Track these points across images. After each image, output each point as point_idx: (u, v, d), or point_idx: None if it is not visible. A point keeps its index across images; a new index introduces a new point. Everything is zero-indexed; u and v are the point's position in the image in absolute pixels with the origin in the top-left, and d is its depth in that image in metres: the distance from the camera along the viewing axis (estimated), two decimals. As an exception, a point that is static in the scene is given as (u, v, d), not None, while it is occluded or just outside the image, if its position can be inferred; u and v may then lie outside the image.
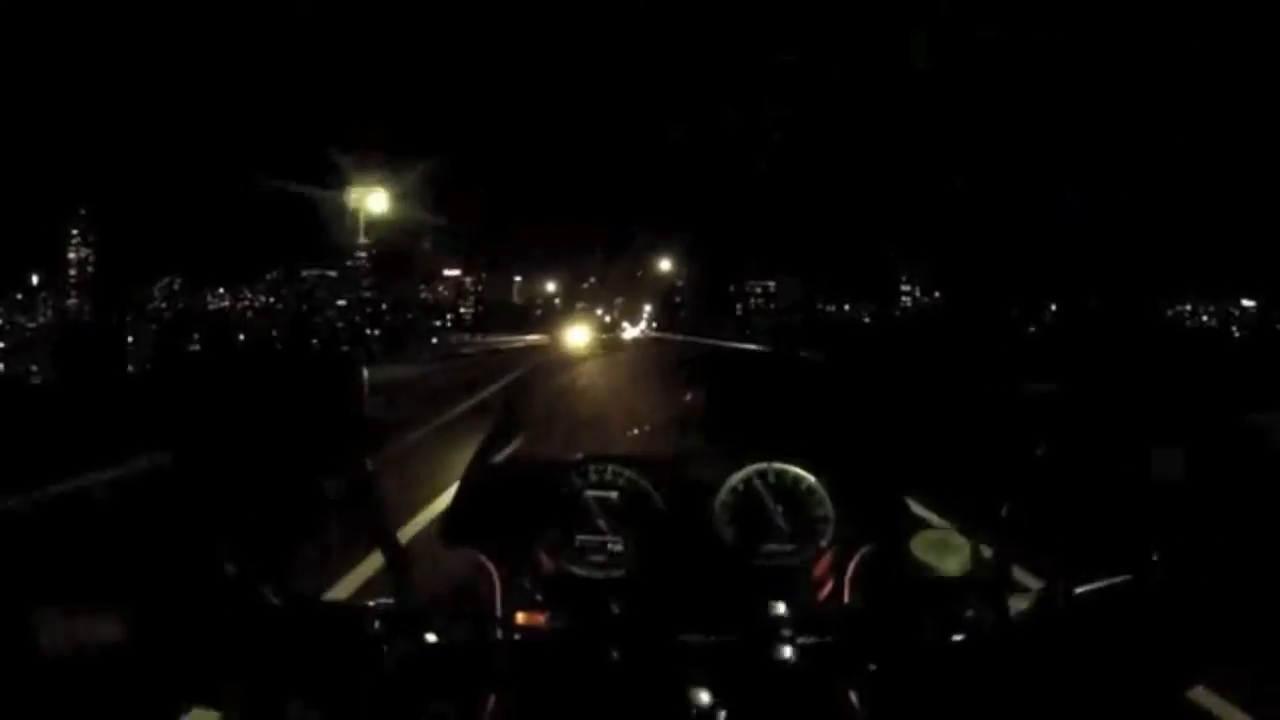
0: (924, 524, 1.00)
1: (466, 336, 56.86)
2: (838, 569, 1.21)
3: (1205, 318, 76.00)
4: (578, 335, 34.02)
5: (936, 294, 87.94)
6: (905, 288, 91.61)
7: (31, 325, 60.53)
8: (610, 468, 1.30)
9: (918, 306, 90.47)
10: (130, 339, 57.27)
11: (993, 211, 72.47)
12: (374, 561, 3.25)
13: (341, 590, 3.32)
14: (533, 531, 1.24)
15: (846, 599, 1.18)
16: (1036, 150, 63.96)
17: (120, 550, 0.91)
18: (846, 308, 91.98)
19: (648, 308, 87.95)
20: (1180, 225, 65.41)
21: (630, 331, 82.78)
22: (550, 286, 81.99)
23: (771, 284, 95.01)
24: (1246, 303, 73.98)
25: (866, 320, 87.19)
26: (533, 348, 35.84)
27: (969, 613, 0.86)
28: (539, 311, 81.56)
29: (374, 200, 25.62)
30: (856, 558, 1.19)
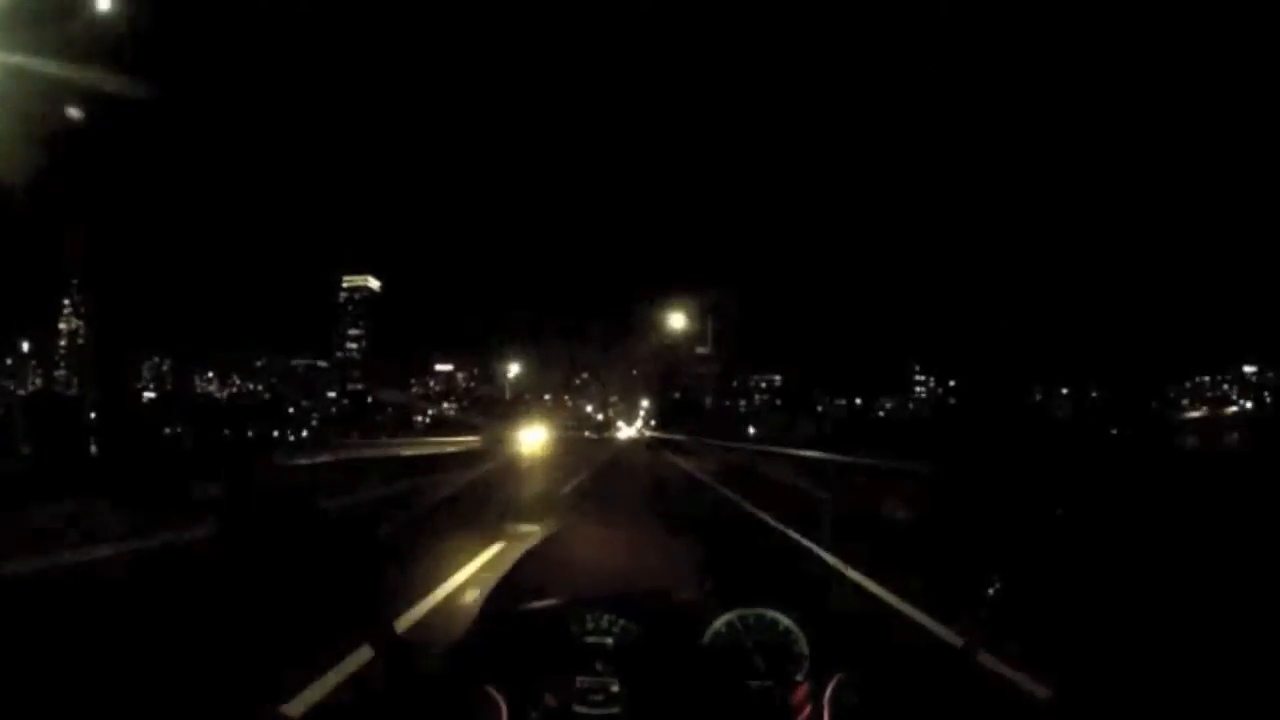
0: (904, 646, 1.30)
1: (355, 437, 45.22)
2: (815, 697, 1.36)
3: (1226, 385, 70.09)
4: (533, 436, 27.70)
5: (951, 383, 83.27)
6: (919, 377, 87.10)
7: (21, 393, 62.04)
8: (606, 617, 1.49)
9: (933, 398, 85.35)
10: (93, 415, 56.88)
11: (1008, 285, 71.06)
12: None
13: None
14: (537, 673, 1.42)
15: None
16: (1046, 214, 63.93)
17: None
18: (858, 401, 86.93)
19: (645, 403, 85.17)
20: (1181, 291, 63.03)
21: (625, 432, 79.40)
22: (515, 372, 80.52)
23: (777, 378, 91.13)
24: (1248, 369, 68.43)
25: (881, 414, 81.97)
26: (461, 456, 22.36)
27: None
28: (523, 408, 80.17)
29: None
30: (831, 685, 1.34)
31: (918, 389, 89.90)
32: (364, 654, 2.91)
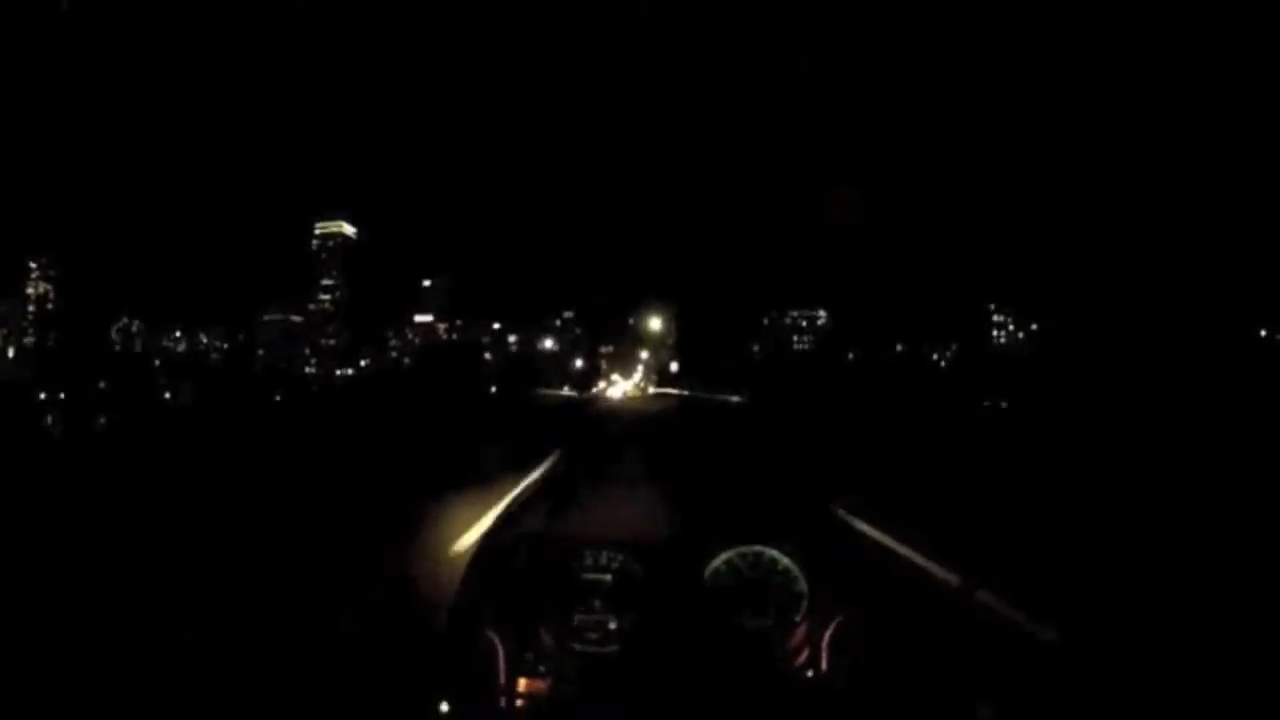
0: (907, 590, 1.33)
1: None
2: (813, 638, 1.39)
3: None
4: None
5: (1034, 325, 61.09)
6: (997, 318, 65.09)
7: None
8: (604, 553, 1.47)
9: (1011, 342, 63.69)
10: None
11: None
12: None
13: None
14: (535, 612, 1.42)
15: (824, 665, 1.36)
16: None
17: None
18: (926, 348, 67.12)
19: (644, 355, 72.70)
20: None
21: (620, 385, 68.10)
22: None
23: (821, 314, 70.95)
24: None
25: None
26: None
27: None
28: (487, 355, 71.56)
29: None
30: (831, 627, 1.37)
31: (995, 332, 68.12)
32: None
